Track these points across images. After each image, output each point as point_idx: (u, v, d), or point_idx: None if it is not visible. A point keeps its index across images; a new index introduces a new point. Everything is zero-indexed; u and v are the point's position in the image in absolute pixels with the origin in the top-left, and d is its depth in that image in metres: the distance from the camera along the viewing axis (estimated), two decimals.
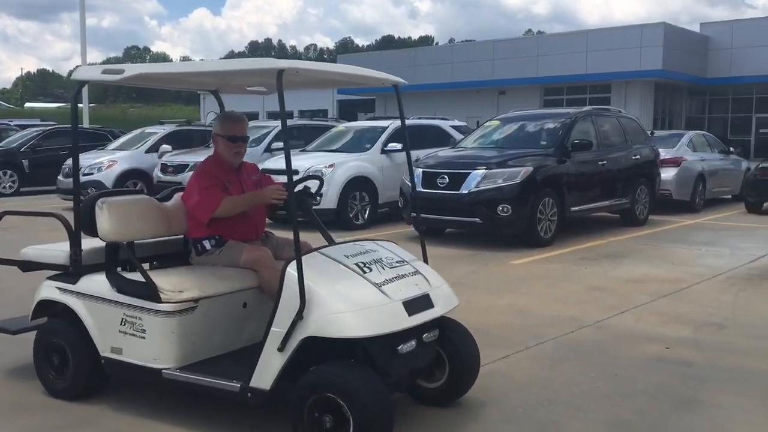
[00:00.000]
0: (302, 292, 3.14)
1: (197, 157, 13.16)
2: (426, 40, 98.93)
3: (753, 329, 5.45)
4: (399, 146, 11.66)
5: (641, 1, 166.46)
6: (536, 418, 3.74)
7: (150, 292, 3.54)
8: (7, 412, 3.81)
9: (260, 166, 11.95)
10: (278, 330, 3.20)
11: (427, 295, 3.50)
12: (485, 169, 9.15)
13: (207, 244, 3.99)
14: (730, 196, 15.52)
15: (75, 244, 3.87)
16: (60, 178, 14.35)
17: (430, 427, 3.61)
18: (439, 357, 3.69)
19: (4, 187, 16.77)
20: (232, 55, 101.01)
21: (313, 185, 4.27)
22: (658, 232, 10.87)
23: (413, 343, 3.35)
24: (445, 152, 10.50)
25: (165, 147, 14.16)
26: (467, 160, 9.64)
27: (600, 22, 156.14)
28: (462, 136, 12.47)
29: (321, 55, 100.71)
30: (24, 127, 21.74)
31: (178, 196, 4.26)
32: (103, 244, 3.85)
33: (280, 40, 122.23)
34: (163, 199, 4.27)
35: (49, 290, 3.97)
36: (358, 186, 10.97)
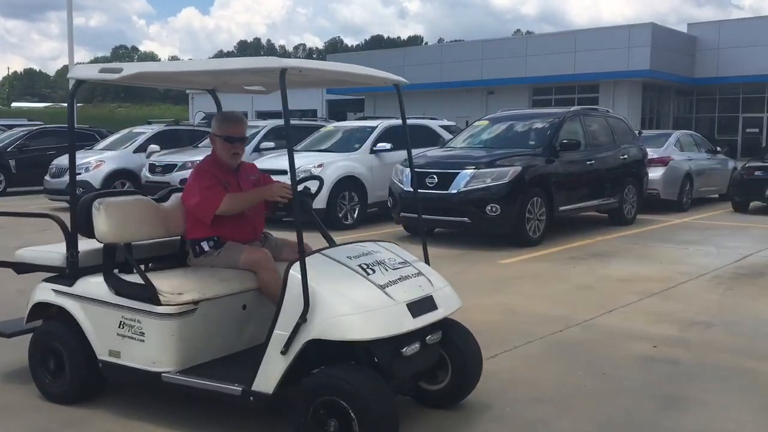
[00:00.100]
0: (306, 294, 3.09)
1: (185, 157, 13.14)
2: (415, 40, 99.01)
3: (739, 328, 5.49)
4: (388, 146, 11.67)
5: (629, 1, 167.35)
6: (524, 417, 3.75)
7: (149, 294, 3.49)
8: None
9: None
10: (281, 333, 3.16)
11: (431, 296, 3.47)
12: (474, 168, 9.17)
13: (205, 246, 3.94)
14: (717, 196, 15.63)
15: (71, 245, 3.82)
16: (47, 178, 14.27)
17: (420, 427, 3.61)
18: (441, 359, 3.66)
19: None
20: (221, 54, 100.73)
21: (312, 186, 4.23)
22: (646, 231, 10.93)
23: (417, 345, 3.32)
24: (434, 152, 10.51)
25: (153, 147, 14.10)
26: (456, 160, 9.66)
27: (588, 23, 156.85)
28: (451, 136, 12.50)
29: (310, 54, 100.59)
30: (11, 126, 21.56)
31: (175, 196, 4.20)
32: (99, 245, 3.79)
33: (269, 40, 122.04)
34: (160, 199, 4.21)
35: (45, 293, 3.91)
36: (347, 186, 10.97)
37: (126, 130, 16.41)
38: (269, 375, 3.17)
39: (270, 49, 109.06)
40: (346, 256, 3.46)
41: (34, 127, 19.05)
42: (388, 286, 3.33)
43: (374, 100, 35.93)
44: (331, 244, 3.84)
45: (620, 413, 3.82)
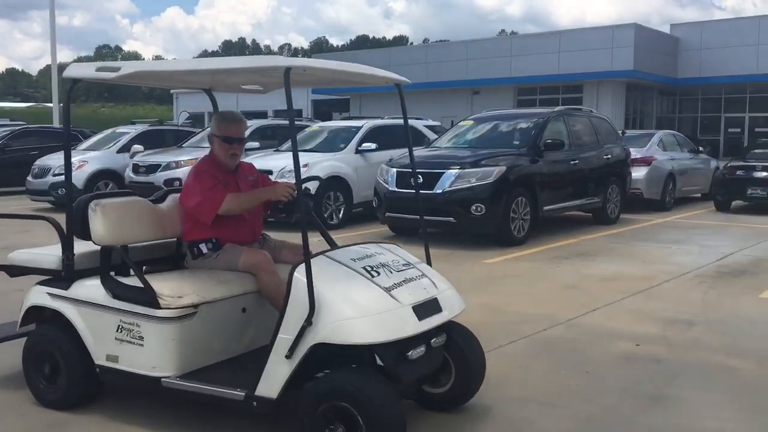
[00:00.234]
0: (311, 297, 3.04)
1: (170, 157, 13.08)
2: (400, 40, 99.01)
3: (721, 326, 5.54)
4: (373, 146, 11.68)
5: (613, 2, 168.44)
6: (508, 416, 3.77)
7: (148, 297, 3.43)
8: None
9: None
10: (286, 337, 3.10)
11: (436, 299, 3.43)
12: (459, 168, 9.19)
13: (204, 247, 3.88)
14: (699, 195, 15.77)
15: (67, 248, 3.75)
16: (29, 179, 14.15)
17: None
18: (444, 361, 3.62)
19: None
20: (205, 54, 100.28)
21: (312, 186, 4.19)
22: (629, 230, 11.01)
23: (422, 348, 3.28)
24: (419, 152, 10.53)
25: (137, 147, 14.01)
26: (441, 160, 9.68)
27: (572, 23, 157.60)
28: (436, 136, 12.52)
29: (295, 54, 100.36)
30: None
31: (171, 197, 4.14)
32: (95, 247, 3.72)
33: (254, 40, 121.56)
34: (156, 200, 4.13)
35: (40, 296, 3.82)
36: (333, 186, 10.96)
37: (109, 130, 16.30)
38: (273, 379, 3.12)
39: (255, 49, 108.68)
40: (350, 258, 3.41)
41: (17, 127, 18.87)
42: (393, 289, 3.29)
43: (359, 100, 35.91)
44: (333, 245, 3.78)
45: (603, 411, 3.85)
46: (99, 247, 3.70)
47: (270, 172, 9.65)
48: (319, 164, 10.96)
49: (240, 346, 3.73)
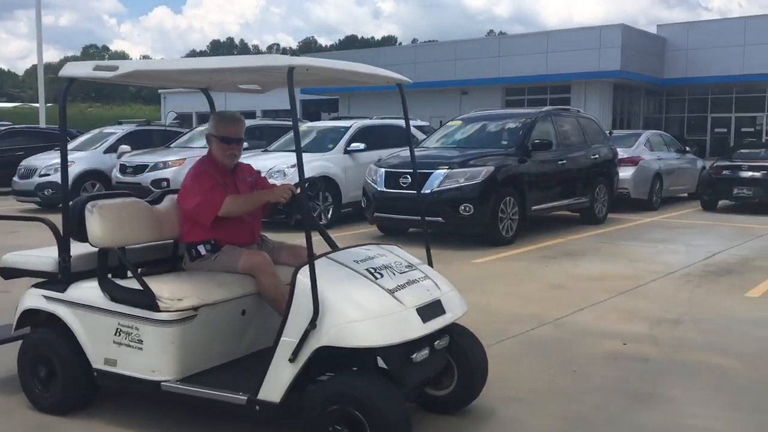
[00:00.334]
0: (315, 299, 3.00)
1: (157, 157, 13.02)
2: (389, 40, 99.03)
3: (708, 325, 5.58)
4: (362, 146, 11.68)
5: (600, 3, 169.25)
6: (496, 415, 3.78)
7: (147, 300, 3.38)
8: None
9: None
10: (289, 340, 3.06)
11: (439, 300, 3.41)
12: (447, 168, 9.21)
13: (202, 249, 3.84)
14: (686, 195, 15.87)
15: (64, 250, 3.68)
16: (15, 179, 14.05)
17: None
18: (447, 364, 3.60)
19: None
20: (193, 54, 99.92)
21: (311, 187, 4.15)
22: (617, 230, 11.07)
23: (426, 351, 3.25)
24: (407, 152, 10.52)
25: (124, 147, 13.94)
26: (429, 160, 9.69)
27: (560, 24, 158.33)
28: (425, 136, 12.54)
29: (284, 54, 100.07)
30: None
31: (168, 198, 4.09)
32: (90, 249, 3.66)
33: (242, 40, 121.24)
34: (153, 201, 4.08)
35: (35, 299, 3.76)
36: (321, 186, 10.94)
37: (96, 131, 16.21)
38: (276, 383, 3.08)
39: (243, 49, 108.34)
40: (353, 260, 3.37)
41: (2, 128, 18.72)
42: (397, 291, 3.26)
43: (348, 100, 35.90)
44: (334, 247, 3.73)
45: (591, 410, 3.86)
46: (95, 249, 3.65)
47: (258, 173, 9.62)
48: (307, 164, 10.86)
49: (240, 348, 3.69)
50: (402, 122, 13.75)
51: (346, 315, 3.03)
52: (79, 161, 13.90)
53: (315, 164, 11.06)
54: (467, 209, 8.95)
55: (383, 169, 9.75)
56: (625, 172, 13.05)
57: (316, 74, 3.62)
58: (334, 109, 37.05)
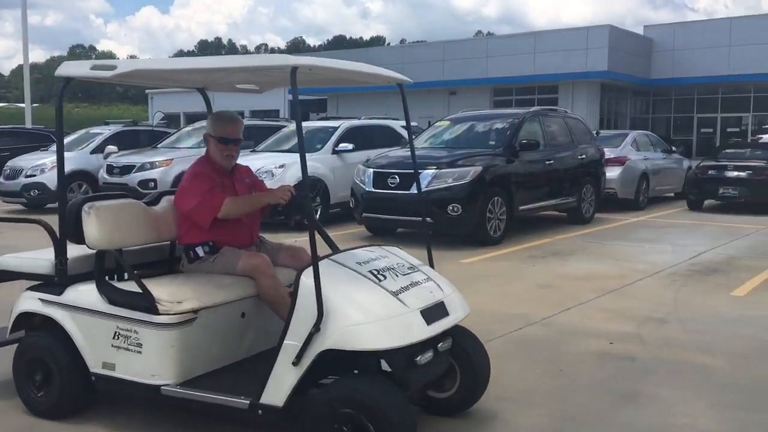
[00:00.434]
0: (320, 302, 2.96)
1: (144, 158, 12.96)
2: (377, 41, 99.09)
3: (693, 324, 5.62)
4: (350, 146, 11.67)
5: (587, 3, 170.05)
6: (484, 414, 3.78)
7: (147, 303, 3.33)
8: None
9: None
10: (292, 343, 3.02)
11: (442, 302, 3.38)
12: (435, 169, 9.22)
13: (200, 251, 3.79)
14: (672, 194, 15.98)
15: (60, 252, 3.62)
16: (1, 180, 13.94)
17: None
18: (449, 366, 3.58)
19: None
20: (181, 54, 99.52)
21: (311, 188, 4.10)
22: (604, 229, 11.12)
23: (430, 353, 3.22)
24: (395, 152, 10.54)
25: (111, 148, 13.86)
26: (418, 160, 9.68)
27: (548, 24, 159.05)
28: (413, 137, 12.53)
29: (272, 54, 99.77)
30: None
31: (166, 199, 4.03)
32: (86, 251, 3.61)
33: (230, 40, 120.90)
34: (150, 202, 4.02)
35: (31, 302, 3.70)
36: (310, 186, 10.92)
37: (83, 131, 16.10)
38: (279, 387, 3.04)
39: (231, 49, 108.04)
40: (356, 262, 3.34)
41: None
42: (400, 293, 3.23)
43: (336, 101, 35.86)
44: (335, 249, 3.68)
45: (578, 409, 3.88)
46: (90, 251, 3.60)
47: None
48: (295, 165, 10.90)
49: (240, 351, 3.65)
50: (390, 123, 13.86)
51: (351, 318, 3.00)
52: (66, 162, 13.71)
53: None
54: (455, 209, 8.97)
55: (371, 170, 9.75)
56: (612, 172, 13.11)
57: (319, 74, 3.58)
58: (322, 109, 36.99)
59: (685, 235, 10.53)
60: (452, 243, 9.34)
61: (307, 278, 3.04)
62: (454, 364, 3.60)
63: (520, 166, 9.96)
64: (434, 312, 3.28)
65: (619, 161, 13.57)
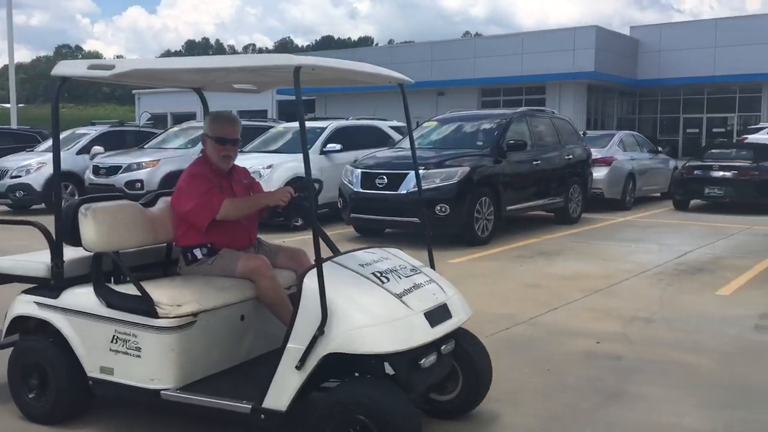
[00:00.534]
0: (324, 305, 2.93)
1: (130, 158, 12.90)
2: (366, 41, 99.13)
3: (679, 323, 5.65)
4: (338, 147, 11.67)
5: (575, 4, 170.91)
6: (471, 414, 3.78)
7: (146, 306, 3.28)
8: None
9: None
10: (296, 346, 2.98)
11: (445, 304, 3.36)
12: (423, 169, 9.22)
13: (198, 253, 3.75)
14: (659, 194, 16.07)
15: (56, 255, 3.56)
16: None
17: None
18: (452, 369, 3.56)
19: None
20: (168, 54, 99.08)
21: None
22: (591, 229, 11.17)
23: (434, 356, 3.20)
24: (383, 153, 10.55)
25: (97, 148, 13.79)
26: (406, 161, 9.71)
27: (535, 25, 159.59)
28: (401, 137, 12.56)
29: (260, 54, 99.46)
30: None
31: (162, 200, 3.98)
32: (83, 253, 3.56)
33: (217, 40, 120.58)
34: (146, 204, 3.96)
35: (26, 305, 3.64)
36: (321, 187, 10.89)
37: (69, 131, 15.97)
38: (282, 391, 3.00)
39: (219, 49, 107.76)
40: (358, 264, 3.30)
41: None
42: (404, 295, 3.20)
43: (325, 101, 35.84)
44: (335, 251, 3.61)
45: (564, 409, 3.90)
46: (85, 254, 3.55)
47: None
48: (283, 165, 10.91)
49: (239, 354, 3.61)
50: (378, 123, 13.87)
51: (355, 321, 2.96)
52: (51, 163, 13.69)
53: (290, 165, 11.03)
54: (443, 209, 8.99)
55: (359, 170, 9.76)
56: (599, 173, 13.17)
57: (321, 74, 3.53)
58: (310, 109, 36.95)
59: (671, 234, 10.60)
60: (440, 243, 9.34)
61: (310, 281, 3.01)
62: (456, 367, 3.58)
63: (507, 167, 9.99)
64: (438, 314, 3.25)
65: (605, 161, 13.64)
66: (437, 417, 3.66)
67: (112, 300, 3.41)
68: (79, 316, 3.47)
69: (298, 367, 2.97)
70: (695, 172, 13.94)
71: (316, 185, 4.13)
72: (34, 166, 13.61)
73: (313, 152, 11.57)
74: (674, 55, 30.85)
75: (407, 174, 9.25)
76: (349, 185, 9.80)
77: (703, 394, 4.12)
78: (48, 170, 13.51)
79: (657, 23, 35.73)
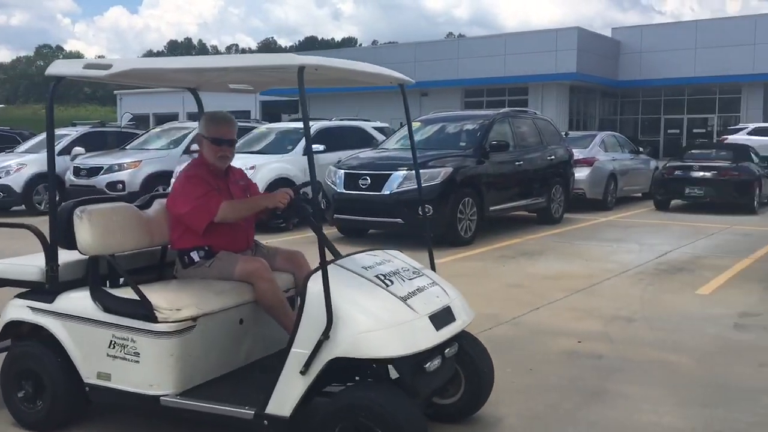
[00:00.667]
0: (329, 309, 2.88)
1: (112, 159, 12.80)
2: (349, 42, 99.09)
3: (660, 322, 5.70)
4: (321, 147, 11.64)
5: (557, 6, 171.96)
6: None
7: (144, 310, 3.22)
8: None
9: (179, 169, 11.69)
10: (300, 351, 2.92)
11: (449, 307, 3.33)
12: (406, 170, 9.25)
13: (195, 256, 3.69)
14: (640, 195, 16.19)
15: (51, 258, 3.49)
16: None
17: None
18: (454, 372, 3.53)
19: None
20: (150, 54, 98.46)
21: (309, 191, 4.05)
22: (573, 229, 11.24)
23: (439, 360, 3.15)
24: (366, 153, 10.56)
25: (78, 149, 13.67)
26: (389, 161, 9.72)
27: (518, 26, 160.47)
28: (384, 138, 12.57)
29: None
30: None
31: (158, 203, 3.92)
32: (77, 257, 3.50)
33: (200, 40, 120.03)
34: (142, 206, 3.90)
35: (20, 310, 3.55)
36: (280, 188, 10.87)
37: None
38: (286, 397, 2.94)
39: (202, 50, 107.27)
40: (361, 267, 3.26)
41: None
42: (408, 298, 3.16)
43: (309, 101, 35.75)
44: (336, 254, 3.52)
45: (546, 408, 3.92)
46: (80, 257, 3.49)
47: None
48: (266, 166, 10.88)
49: (238, 359, 3.56)
50: (361, 124, 13.87)
51: (361, 325, 2.91)
52: (31, 164, 13.59)
53: (274, 166, 11.01)
54: (426, 210, 8.99)
55: (342, 171, 9.75)
56: (581, 173, 13.26)
57: (324, 74, 3.51)
58: (294, 110, 36.89)
59: (652, 234, 10.69)
60: (423, 244, 9.34)
61: (314, 284, 2.96)
62: (458, 370, 3.55)
63: (490, 167, 10.03)
64: (442, 317, 3.22)
65: (587, 162, 13.73)
66: (438, 420, 3.63)
67: (109, 304, 3.34)
68: (75, 321, 3.40)
69: (303, 372, 2.92)
70: (676, 172, 14.07)
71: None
72: (13, 167, 13.47)
73: (296, 153, 11.56)
74: (655, 56, 31.12)
75: (390, 174, 9.27)
76: (333, 186, 9.79)
77: (683, 393, 4.16)
78: (28, 171, 13.39)
79: (638, 25, 36.03)
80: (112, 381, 3.34)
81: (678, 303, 6.34)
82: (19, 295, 3.64)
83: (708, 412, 3.89)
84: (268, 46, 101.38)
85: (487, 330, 5.42)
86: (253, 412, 3.01)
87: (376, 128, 13.92)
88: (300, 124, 12.92)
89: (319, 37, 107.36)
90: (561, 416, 3.83)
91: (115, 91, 48.67)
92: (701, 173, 13.79)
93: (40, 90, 75.05)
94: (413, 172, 9.17)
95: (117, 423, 3.68)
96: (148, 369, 3.24)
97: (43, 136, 15.61)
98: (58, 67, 3.54)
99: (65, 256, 3.56)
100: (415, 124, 11.67)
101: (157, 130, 15.03)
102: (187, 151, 12.89)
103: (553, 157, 11.67)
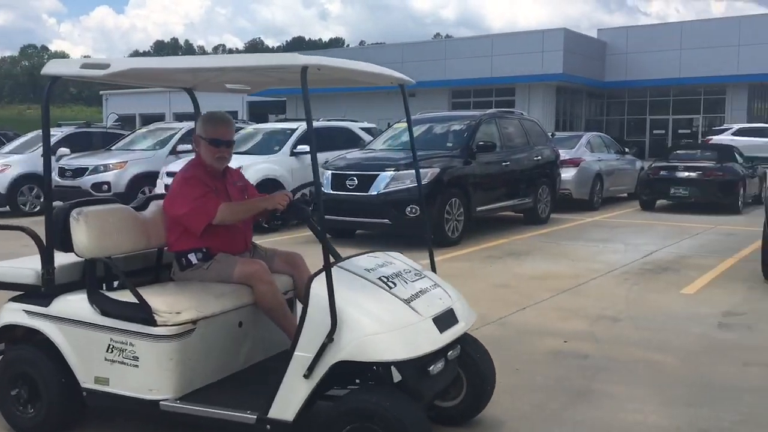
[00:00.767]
0: (333, 312, 2.84)
1: (97, 160, 12.73)
2: (336, 42, 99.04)
3: (645, 321, 5.74)
4: (308, 148, 11.62)
5: (543, 7, 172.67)
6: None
7: (143, 314, 3.17)
8: None
9: (165, 170, 11.63)
10: (304, 355, 2.89)
11: (452, 309, 3.31)
12: (394, 170, 9.26)
13: (193, 258, 3.66)
14: (626, 195, 16.30)
15: (47, 261, 3.43)
16: None
17: None
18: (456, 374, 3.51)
19: None
20: (136, 54, 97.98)
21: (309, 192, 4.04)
22: (559, 230, 11.30)
23: (442, 362, 3.13)
24: (354, 154, 10.56)
25: (63, 150, 13.57)
26: (376, 162, 9.73)
27: (505, 27, 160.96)
28: (371, 138, 12.57)
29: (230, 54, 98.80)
30: None
31: (154, 204, 3.89)
32: (73, 259, 3.46)
33: (187, 40, 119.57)
34: (138, 208, 3.86)
35: (15, 314, 3.49)
36: (268, 188, 10.86)
37: (34, 133, 15.72)
38: (289, 401, 2.91)
39: (188, 50, 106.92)
40: (364, 269, 3.23)
41: None
42: (412, 300, 3.13)
43: (296, 102, 35.74)
44: (337, 256, 3.46)
45: (532, 408, 3.94)
46: (77, 259, 3.45)
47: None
48: (253, 166, 10.85)
49: (237, 362, 3.53)
50: (348, 124, 13.86)
51: (365, 328, 2.88)
52: (16, 165, 13.49)
53: (261, 166, 10.99)
54: (413, 211, 9.01)
55: (330, 172, 9.74)
56: (567, 173, 13.32)
57: (327, 74, 3.48)
58: (281, 110, 36.85)
59: (637, 234, 10.76)
60: (411, 244, 9.33)
61: (317, 287, 2.92)
62: (460, 372, 3.53)
63: (477, 168, 10.05)
64: (445, 319, 3.20)
65: (573, 162, 13.79)
66: (440, 423, 3.61)
67: (107, 308, 3.29)
68: (72, 325, 3.35)
69: (306, 376, 2.89)
70: (661, 172, 14.17)
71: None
72: None
73: (284, 153, 11.55)
74: (641, 57, 31.32)
75: (378, 175, 9.27)
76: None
77: (668, 392, 4.18)
78: (13, 172, 13.28)
79: (624, 26, 36.22)
80: (110, 385, 3.29)
81: (663, 303, 6.38)
82: (14, 299, 3.59)
83: (693, 411, 3.92)
84: (255, 47, 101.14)
85: (474, 330, 5.39)
86: (255, 417, 2.97)
87: (363, 129, 13.93)
88: (287, 125, 12.92)
89: (307, 38, 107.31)
90: (547, 416, 3.84)
91: (101, 92, 48.37)
92: (686, 173, 13.90)
93: (25, 90, 74.44)
94: (401, 172, 9.21)
95: (114, 428, 3.66)
96: (148, 373, 3.20)
97: (27, 137, 15.51)
98: (54, 67, 3.48)
99: (61, 258, 3.52)
100: (403, 125, 11.68)
101: (143, 130, 14.95)
102: (173, 151, 12.85)
103: (539, 157, 11.72)
